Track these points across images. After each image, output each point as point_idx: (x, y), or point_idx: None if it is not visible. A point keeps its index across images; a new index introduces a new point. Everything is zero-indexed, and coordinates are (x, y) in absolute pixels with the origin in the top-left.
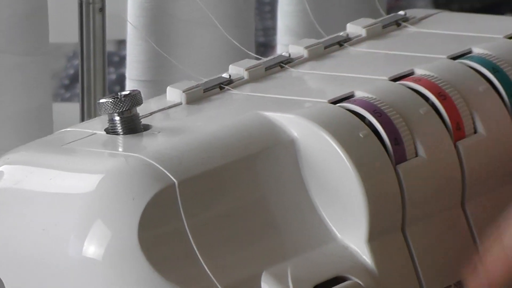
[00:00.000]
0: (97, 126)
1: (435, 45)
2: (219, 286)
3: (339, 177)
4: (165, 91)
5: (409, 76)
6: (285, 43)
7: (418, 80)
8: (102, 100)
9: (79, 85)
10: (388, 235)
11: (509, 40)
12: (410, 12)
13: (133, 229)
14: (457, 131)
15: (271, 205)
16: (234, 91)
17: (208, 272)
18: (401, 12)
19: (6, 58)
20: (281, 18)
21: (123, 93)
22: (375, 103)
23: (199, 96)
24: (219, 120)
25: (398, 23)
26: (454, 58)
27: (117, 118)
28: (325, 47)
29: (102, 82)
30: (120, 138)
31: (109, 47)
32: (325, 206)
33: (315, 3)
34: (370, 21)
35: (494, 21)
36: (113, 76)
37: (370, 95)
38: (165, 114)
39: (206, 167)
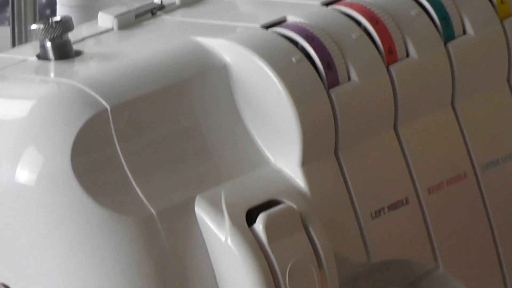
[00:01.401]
0: (28, 51)
1: None
2: (152, 211)
3: (272, 102)
4: (96, 17)
5: (341, 0)
6: None
7: (350, 5)
8: (33, 26)
9: (9, 9)
10: (321, 159)
11: None
12: None
13: (66, 155)
14: (390, 55)
15: (204, 130)
16: (166, 17)
17: (142, 197)
18: None
19: None
20: None
21: (55, 18)
22: (307, 28)
23: (131, 21)
24: (151, 45)
25: None
26: None
27: (48, 44)
28: None
29: (33, 6)
30: (52, 64)
31: None
32: (259, 131)
33: None
34: None
35: None
36: (44, 0)
37: (302, 20)
38: (97, 40)
39: (139, 92)
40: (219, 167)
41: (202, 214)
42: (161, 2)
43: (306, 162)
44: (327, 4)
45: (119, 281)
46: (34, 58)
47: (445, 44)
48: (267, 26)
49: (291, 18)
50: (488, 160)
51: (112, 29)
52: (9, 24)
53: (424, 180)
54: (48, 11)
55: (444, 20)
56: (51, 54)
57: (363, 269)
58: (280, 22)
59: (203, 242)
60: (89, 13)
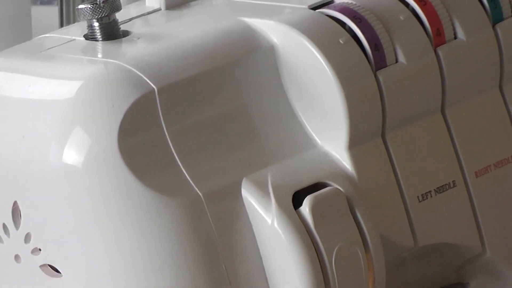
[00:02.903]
0: (76, 32)
1: None
2: (199, 192)
3: (319, 83)
4: None
5: None
6: None
7: None
8: (81, 6)
9: None
10: (368, 142)
11: None
12: None
13: (113, 136)
14: (437, 37)
15: (251, 111)
16: None
17: (189, 179)
18: None
19: None
20: None
21: None
22: (355, 9)
23: (178, 2)
24: (198, 26)
25: None
26: None
27: (96, 24)
28: None
29: None
30: (99, 44)
31: None
32: (306, 113)
33: None
34: None
35: None
36: None
37: (350, 1)
38: (145, 20)
39: (186, 73)
40: (266, 149)
41: (249, 196)
42: None
43: (353, 145)
44: None
45: (165, 262)
46: (82, 38)
47: (493, 26)
48: (315, 7)
49: None
50: None
51: (159, 9)
52: (57, 4)
53: (471, 163)
54: None
55: (493, 2)
56: (98, 34)
57: (409, 252)
58: (327, 3)
59: (249, 224)
60: None
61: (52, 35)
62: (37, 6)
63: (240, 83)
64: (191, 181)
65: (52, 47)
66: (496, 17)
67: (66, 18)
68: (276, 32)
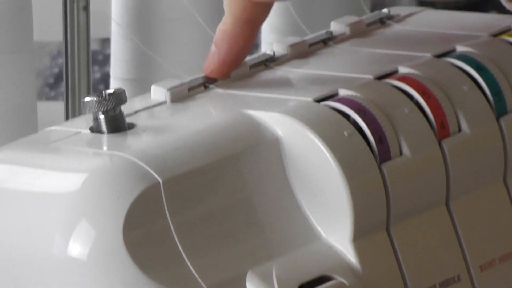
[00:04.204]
0: (82, 124)
1: (419, 43)
2: (204, 286)
3: (323, 176)
4: (149, 90)
5: (393, 74)
6: (269, 42)
7: (403, 79)
8: (86, 99)
9: (63, 84)
10: (372, 234)
11: (493, 38)
12: (394, 10)
13: (118, 229)
14: (442, 130)
15: (256, 204)
16: (218, 90)
17: (193, 271)
18: (385, 10)
19: None
20: None
21: (108, 91)
22: (359, 101)
23: (183, 94)
24: (203, 118)
25: (382, 21)
26: (439, 56)
27: (101, 116)
28: (309, 45)
29: (87, 81)
30: (105, 137)
31: (94, 46)
32: (310, 205)
33: (299, 1)
34: (354, 18)
35: (478, 19)
36: (98, 75)
37: (354, 94)
38: (150, 113)
39: (191, 165)
40: (271, 241)
41: None
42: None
43: (358, 237)
44: (379, 78)
45: None
46: (87, 131)
47: (497, 119)
48: (319, 100)
49: (343, 92)
50: None
51: (165, 102)
52: (63, 99)
53: (476, 257)
54: (102, 86)
55: (497, 95)
56: (104, 127)
57: None
58: (332, 96)
59: None
60: (143, 86)
61: (57, 128)
62: (43, 102)
63: (244, 175)
64: (195, 274)
65: (58, 140)
66: (500, 110)
67: (71, 113)
68: (281, 125)
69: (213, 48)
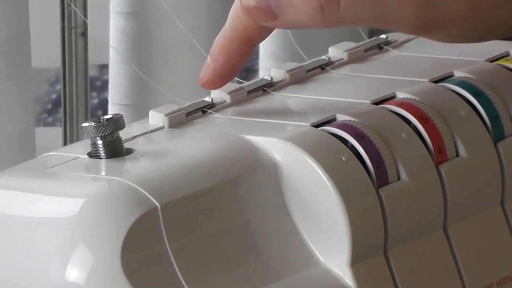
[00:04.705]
0: (79, 150)
1: (416, 68)
2: None
3: (321, 200)
4: (147, 115)
5: (391, 99)
6: (267, 67)
7: (400, 104)
8: (84, 124)
9: (61, 110)
10: (370, 259)
11: (490, 63)
12: (392, 36)
13: (116, 253)
14: (439, 155)
15: (254, 228)
16: (216, 115)
17: None
18: (383, 36)
19: None
20: (263, 42)
21: (106, 117)
22: (357, 126)
23: (181, 120)
24: (201, 144)
25: (380, 47)
26: (436, 81)
27: (99, 142)
28: (307, 71)
29: (85, 107)
30: (103, 162)
31: (91, 72)
32: (308, 230)
33: None
34: (352, 44)
35: (475, 45)
36: (96, 101)
37: (352, 119)
38: (148, 138)
39: (189, 190)
40: (268, 266)
41: None
42: (212, 100)
43: (355, 262)
44: (376, 103)
45: None
46: (85, 156)
47: (495, 144)
48: (317, 125)
49: (341, 117)
50: None
51: (163, 127)
52: (61, 125)
53: (473, 282)
54: (100, 112)
55: (494, 120)
56: (102, 152)
57: None
58: (330, 121)
59: None
60: (141, 111)
61: (55, 153)
62: (41, 127)
63: (242, 200)
64: None
65: (56, 165)
66: (497, 135)
67: (69, 139)
68: (278, 149)
69: (208, 59)
